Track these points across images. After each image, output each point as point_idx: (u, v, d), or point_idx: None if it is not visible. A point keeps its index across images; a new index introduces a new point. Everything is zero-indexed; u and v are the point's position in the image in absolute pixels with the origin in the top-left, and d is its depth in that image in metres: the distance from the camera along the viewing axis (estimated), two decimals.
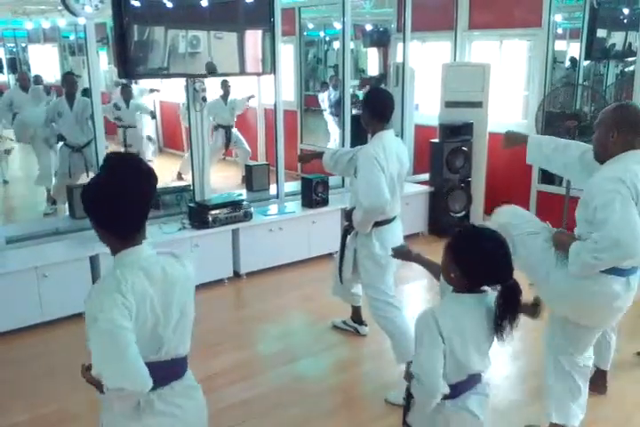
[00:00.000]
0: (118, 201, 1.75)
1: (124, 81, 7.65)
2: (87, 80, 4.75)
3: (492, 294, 2.05)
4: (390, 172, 3.39)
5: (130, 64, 4.47)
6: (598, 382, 3.35)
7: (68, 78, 6.82)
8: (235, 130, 7.99)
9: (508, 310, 1.98)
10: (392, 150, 3.43)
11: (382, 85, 7.66)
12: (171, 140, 9.83)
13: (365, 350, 4.15)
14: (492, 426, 3.17)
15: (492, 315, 2.02)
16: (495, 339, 2.06)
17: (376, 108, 3.49)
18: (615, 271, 2.60)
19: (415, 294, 5.11)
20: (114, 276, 1.73)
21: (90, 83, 4.72)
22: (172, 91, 8.48)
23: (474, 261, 2.00)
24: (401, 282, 5.24)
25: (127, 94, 7.80)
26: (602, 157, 2.70)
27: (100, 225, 1.79)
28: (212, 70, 4.88)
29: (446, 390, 2.01)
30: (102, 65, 8.92)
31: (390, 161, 3.39)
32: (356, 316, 4.27)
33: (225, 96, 7.79)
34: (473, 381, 2.11)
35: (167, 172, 7.75)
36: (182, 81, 5.12)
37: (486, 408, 2.16)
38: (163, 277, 1.81)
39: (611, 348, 3.37)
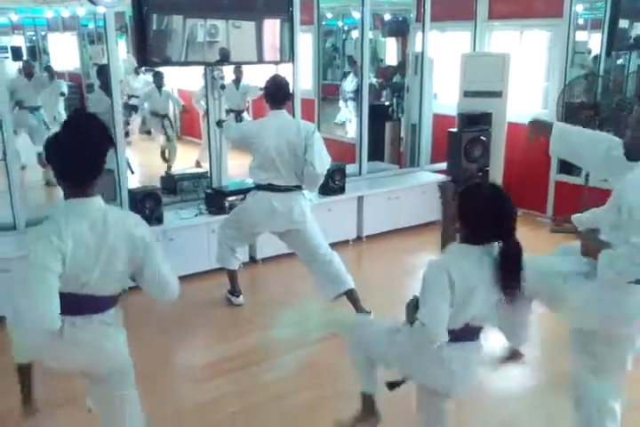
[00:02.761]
0: (70, 152, 2.03)
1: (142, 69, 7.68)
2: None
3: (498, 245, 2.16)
4: (266, 145, 4.03)
5: (148, 52, 4.50)
6: None
7: None
8: (245, 114, 8.02)
9: (508, 267, 2.11)
10: (271, 127, 4.08)
11: (398, 75, 7.66)
12: (188, 128, 9.87)
13: None
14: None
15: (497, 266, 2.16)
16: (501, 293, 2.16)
17: (268, 92, 4.21)
18: None
19: None
20: (57, 222, 2.02)
21: (109, 71, 4.75)
22: (190, 78, 8.51)
23: (470, 216, 2.19)
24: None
25: (159, 81, 7.79)
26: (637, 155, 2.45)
27: (56, 173, 2.07)
28: (228, 58, 4.90)
29: (446, 338, 2.12)
30: (121, 54, 8.96)
31: (266, 136, 4.04)
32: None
33: (237, 81, 7.80)
34: (471, 332, 2.23)
35: (186, 159, 7.79)
36: (200, 69, 5.14)
37: (485, 363, 2.32)
38: (102, 223, 2.08)
39: None
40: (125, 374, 2.32)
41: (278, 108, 4.17)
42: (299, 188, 4.18)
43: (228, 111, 7.83)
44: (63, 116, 7.47)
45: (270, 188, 4.12)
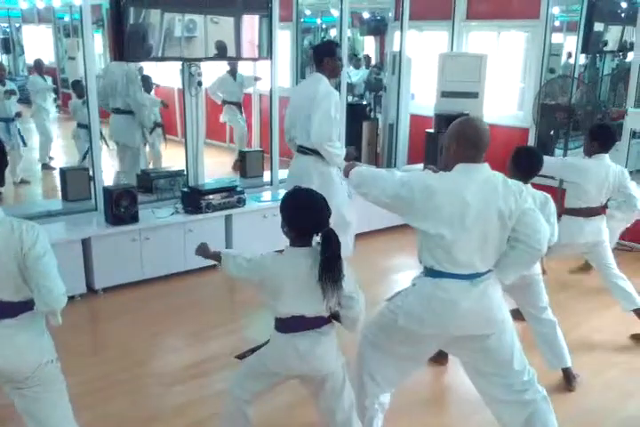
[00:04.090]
0: None
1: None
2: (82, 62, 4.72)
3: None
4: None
5: (125, 47, 4.45)
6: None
7: None
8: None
9: (328, 253, 2.31)
10: None
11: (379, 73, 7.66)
12: (167, 126, 9.77)
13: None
14: None
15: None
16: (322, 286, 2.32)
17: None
18: None
19: None
20: None
21: (85, 65, 4.68)
22: (167, 75, 8.41)
23: (287, 214, 2.43)
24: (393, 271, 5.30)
25: (148, 86, 7.21)
26: None
27: None
28: (208, 54, 4.87)
29: None
30: (97, 48, 8.82)
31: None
32: None
33: (233, 72, 7.72)
34: (296, 322, 2.41)
35: (165, 158, 7.67)
36: (178, 65, 5.09)
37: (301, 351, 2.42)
38: None
39: None
40: (46, 375, 2.29)
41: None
42: None
43: (226, 102, 7.78)
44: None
45: None
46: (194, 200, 4.94)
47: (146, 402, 3.36)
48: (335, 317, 2.47)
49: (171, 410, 3.27)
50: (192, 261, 4.91)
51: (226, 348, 3.91)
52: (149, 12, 4.54)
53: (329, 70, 4.15)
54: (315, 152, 4.13)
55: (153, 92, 7.23)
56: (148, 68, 8.21)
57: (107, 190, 4.67)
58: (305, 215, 2.42)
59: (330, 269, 2.32)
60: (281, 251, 2.47)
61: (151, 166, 6.58)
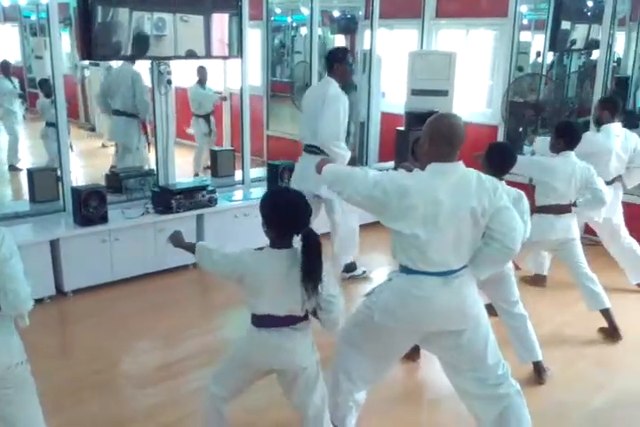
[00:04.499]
0: None
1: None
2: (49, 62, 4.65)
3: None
4: None
5: (93, 46, 4.40)
6: None
7: None
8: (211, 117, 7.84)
9: (308, 255, 2.30)
10: None
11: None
12: None
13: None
14: None
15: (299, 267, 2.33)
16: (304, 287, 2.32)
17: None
18: None
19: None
20: None
21: (52, 64, 4.61)
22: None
23: (266, 214, 2.40)
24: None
25: None
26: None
27: None
28: (177, 53, 4.84)
29: None
30: (64, 47, 8.70)
31: None
32: None
33: (202, 82, 7.62)
34: (271, 320, 2.41)
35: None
36: (148, 64, 5.05)
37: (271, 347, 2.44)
38: None
39: None
40: (16, 378, 2.25)
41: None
42: None
43: (196, 116, 7.62)
44: None
45: None
46: (164, 200, 4.90)
47: (118, 404, 3.32)
48: (314, 313, 2.47)
49: (143, 412, 3.24)
50: (164, 261, 4.91)
51: (199, 348, 3.90)
52: (117, 11, 4.52)
53: (339, 75, 4.51)
54: (322, 152, 4.34)
55: None
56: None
57: (75, 191, 4.61)
58: (284, 215, 2.40)
59: (310, 271, 2.31)
60: (261, 248, 2.46)
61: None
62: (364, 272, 5.00)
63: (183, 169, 6.61)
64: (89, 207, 4.52)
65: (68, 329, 4.37)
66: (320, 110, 4.37)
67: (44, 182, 4.82)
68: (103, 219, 4.61)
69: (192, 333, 4.11)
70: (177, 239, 2.69)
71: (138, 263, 4.79)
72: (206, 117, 7.65)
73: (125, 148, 6.30)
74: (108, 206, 4.68)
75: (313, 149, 4.48)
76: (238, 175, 5.85)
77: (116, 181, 5.17)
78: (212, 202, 5.10)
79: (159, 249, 4.80)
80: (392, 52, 7.07)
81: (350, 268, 4.95)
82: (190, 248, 2.59)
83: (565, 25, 6.55)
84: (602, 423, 3.20)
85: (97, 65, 7.74)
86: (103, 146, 7.96)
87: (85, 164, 7.40)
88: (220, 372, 2.64)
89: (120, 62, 6.31)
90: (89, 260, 4.55)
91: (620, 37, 6.98)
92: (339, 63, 4.49)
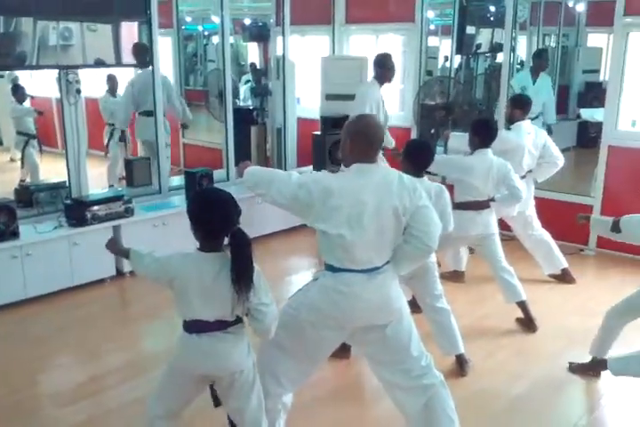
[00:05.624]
0: None
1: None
2: None
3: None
4: None
5: None
6: None
7: None
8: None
9: (238, 254, 2.28)
10: None
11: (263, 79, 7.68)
12: (46, 138, 9.36)
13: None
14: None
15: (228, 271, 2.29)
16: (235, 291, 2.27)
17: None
18: None
19: None
20: None
21: None
22: (44, 85, 8.05)
23: (192, 213, 2.35)
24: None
25: (21, 95, 6.92)
26: None
27: None
28: (86, 61, 4.74)
29: None
30: None
31: None
32: None
33: (112, 91, 7.43)
34: (201, 324, 2.35)
35: (44, 171, 7.33)
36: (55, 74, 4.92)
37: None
38: None
39: None
40: None
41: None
42: None
43: (110, 125, 7.37)
44: None
45: None
46: (78, 212, 4.75)
47: (41, 424, 3.20)
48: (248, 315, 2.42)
49: None
50: (80, 276, 4.77)
51: (120, 362, 3.80)
52: (20, 21, 4.42)
53: (379, 77, 5.24)
54: None
55: (28, 102, 6.92)
56: (24, 78, 7.83)
57: None
58: (212, 214, 2.34)
59: (239, 273, 2.27)
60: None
61: (29, 180, 6.30)
62: None
63: (97, 181, 6.44)
64: None
65: None
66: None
67: None
68: (13, 234, 4.43)
69: (112, 347, 4.00)
70: (113, 246, 2.65)
71: (52, 279, 4.62)
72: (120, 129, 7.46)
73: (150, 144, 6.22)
74: (19, 221, 4.51)
75: None
76: (155, 184, 5.74)
77: (26, 195, 4.98)
78: (128, 212, 4.99)
79: (75, 263, 4.66)
80: (305, 57, 7.13)
81: None
82: (125, 254, 2.55)
83: (470, 30, 6.80)
84: (522, 409, 3.30)
85: (2, 77, 7.44)
86: (11, 160, 7.67)
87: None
88: (159, 387, 2.55)
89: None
90: None
91: (523, 41, 7.33)
92: (378, 67, 5.25)
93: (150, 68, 5.49)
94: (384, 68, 5.21)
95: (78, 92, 4.93)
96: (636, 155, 5.33)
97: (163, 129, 5.88)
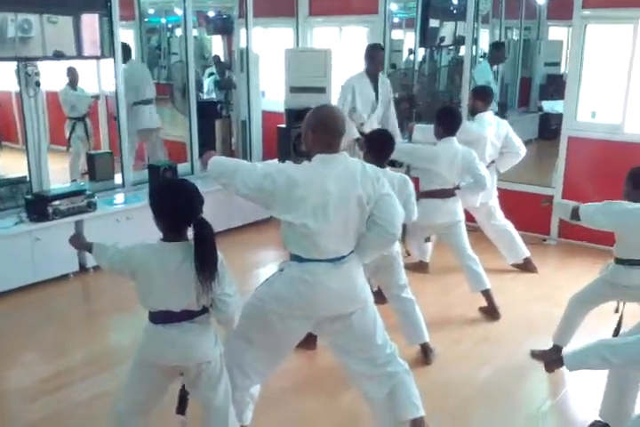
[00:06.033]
0: None
1: None
2: None
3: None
4: None
5: None
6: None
7: None
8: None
9: (201, 243, 2.27)
10: None
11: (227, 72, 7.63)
12: (5, 132, 9.17)
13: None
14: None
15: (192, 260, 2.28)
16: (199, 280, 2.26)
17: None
18: None
19: None
20: None
21: None
22: (3, 78, 7.88)
23: (153, 203, 2.36)
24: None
25: None
26: None
27: None
28: (46, 53, 4.66)
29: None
30: None
31: None
32: None
33: (73, 83, 7.29)
34: (166, 315, 2.35)
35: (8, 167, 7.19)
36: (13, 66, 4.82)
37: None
38: None
39: None
40: None
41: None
42: None
43: (70, 119, 7.25)
44: None
45: None
46: (39, 207, 4.67)
47: (7, 420, 3.18)
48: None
49: (37, 425, 3.09)
50: (43, 271, 4.70)
51: (84, 357, 3.77)
52: None
53: (367, 68, 5.41)
54: None
55: None
56: None
57: None
58: (174, 203, 2.33)
59: (202, 263, 2.26)
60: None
61: None
62: None
63: (60, 176, 6.34)
64: None
65: None
66: None
67: None
68: None
69: (77, 342, 3.97)
70: (76, 241, 2.64)
71: (13, 276, 4.53)
72: (81, 120, 7.35)
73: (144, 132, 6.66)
74: None
75: None
76: (118, 179, 5.68)
77: None
78: (91, 207, 4.92)
79: (37, 259, 4.58)
80: (269, 50, 7.10)
81: None
82: (88, 248, 2.55)
83: (434, 23, 6.84)
84: (487, 394, 3.37)
85: None
86: None
87: None
88: (127, 381, 2.52)
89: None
90: None
91: (485, 34, 7.40)
92: (365, 59, 5.42)
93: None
94: (369, 59, 5.39)
95: (38, 84, 4.84)
96: (595, 145, 5.43)
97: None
